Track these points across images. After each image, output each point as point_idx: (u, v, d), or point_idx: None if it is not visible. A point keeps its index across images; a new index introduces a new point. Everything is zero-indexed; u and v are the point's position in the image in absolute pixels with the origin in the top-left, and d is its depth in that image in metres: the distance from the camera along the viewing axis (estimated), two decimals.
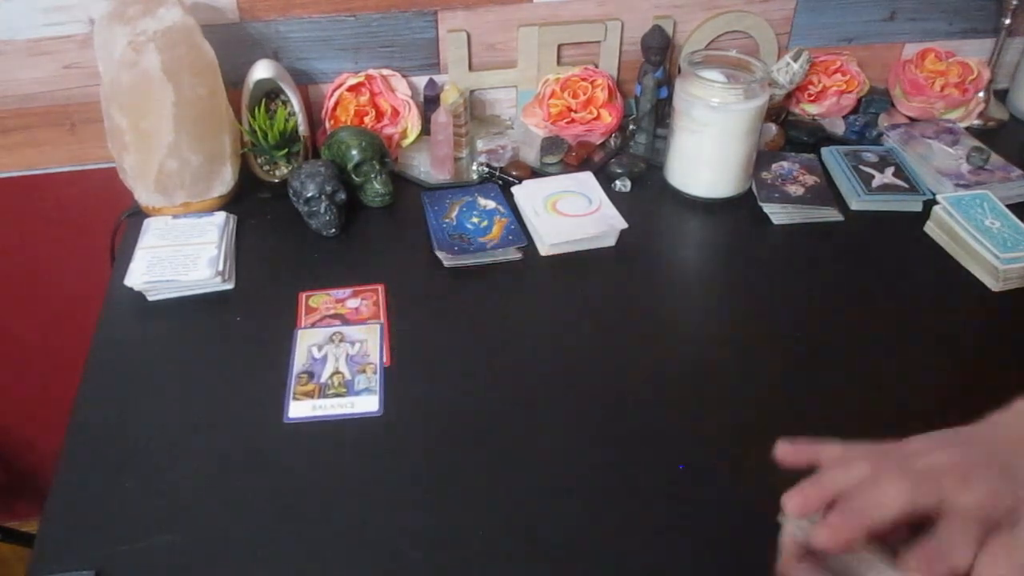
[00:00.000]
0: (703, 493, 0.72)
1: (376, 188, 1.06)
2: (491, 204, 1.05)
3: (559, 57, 1.21)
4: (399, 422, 0.78)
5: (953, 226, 0.98)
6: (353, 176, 1.05)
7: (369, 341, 0.87)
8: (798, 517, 0.47)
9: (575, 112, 1.17)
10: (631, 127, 1.20)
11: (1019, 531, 0.42)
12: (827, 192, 1.08)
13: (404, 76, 1.18)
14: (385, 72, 1.17)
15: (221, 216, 1.02)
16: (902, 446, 0.48)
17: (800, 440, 0.50)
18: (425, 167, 1.14)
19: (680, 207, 1.09)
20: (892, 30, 1.27)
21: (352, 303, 0.92)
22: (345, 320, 0.89)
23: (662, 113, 1.17)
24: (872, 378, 0.83)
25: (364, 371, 0.83)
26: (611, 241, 1.01)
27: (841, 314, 0.91)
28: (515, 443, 0.76)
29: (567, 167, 1.14)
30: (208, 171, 1.03)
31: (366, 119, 1.14)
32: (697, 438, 0.76)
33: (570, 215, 1.01)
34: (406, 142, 1.17)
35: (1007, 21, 1.23)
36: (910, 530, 0.44)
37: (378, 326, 0.88)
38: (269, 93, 1.11)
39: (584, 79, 1.17)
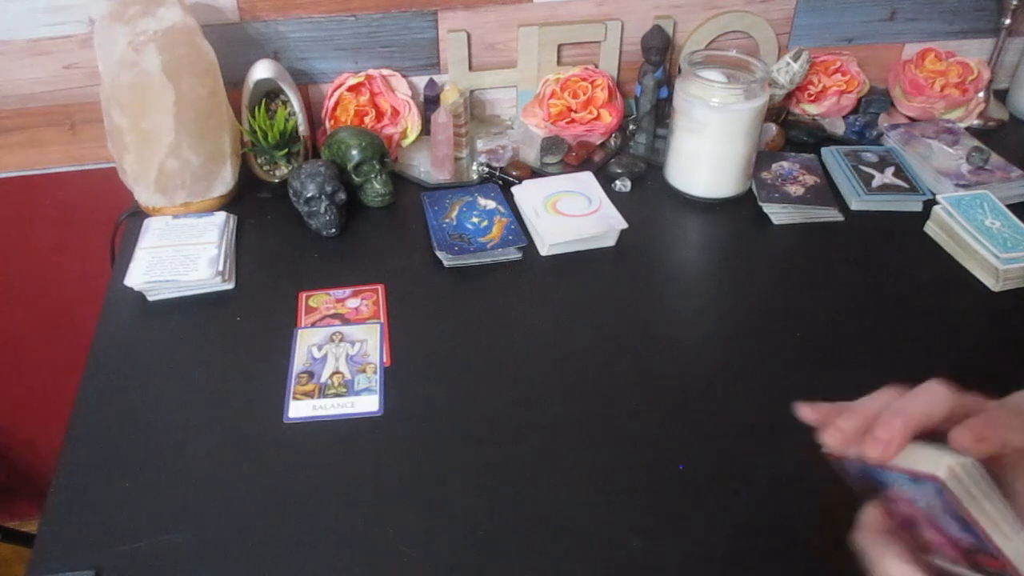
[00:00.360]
0: (703, 493, 0.72)
1: (376, 188, 1.06)
2: (491, 204, 1.05)
3: (559, 57, 1.21)
4: (399, 422, 0.78)
5: (953, 226, 0.98)
6: (353, 176, 1.05)
7: (369, 341, 0.87)
8: (840, 449, 0.43)
9: (575, 112, 1.17)
10: (631, 127, 1.20)
11: None
12: (827, 192, 1.08)
13: (404, 76, 1.18)
14: (385, 72, 1.17)
15: (221, 216, 1.02)
16: None
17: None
18: (425, 167, 1.14)
19: (680, 207, 1.09)
20: (892, 30, 1.27)
21: (352, 303, 0.92)
22: (345, 320, 0.89)
23: (662, 113, 1.17)
24: (872, 378, 0.83)
25: (364, 371, 0.83)
26: (611, 241, 1.01)
27: (841, 314, 0.91)
28: (515, 443, 0.76)
29: (567, 167, 1.14)
30: (208, 171, 1.03)
31: (366, 119, 1.14)
32: (697, 438, 0.76)
33: (570, 215, 1.01)
34: (406, 142, 1.17)
35: (1007, 21, 1.23)
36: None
37: (378, 326, 0.88)
38: (269, 93, 1.11)
39: (584, 79, 1.17)
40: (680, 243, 1.06)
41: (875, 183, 1.08)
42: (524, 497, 0.71)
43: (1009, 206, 1.00)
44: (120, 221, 1.06)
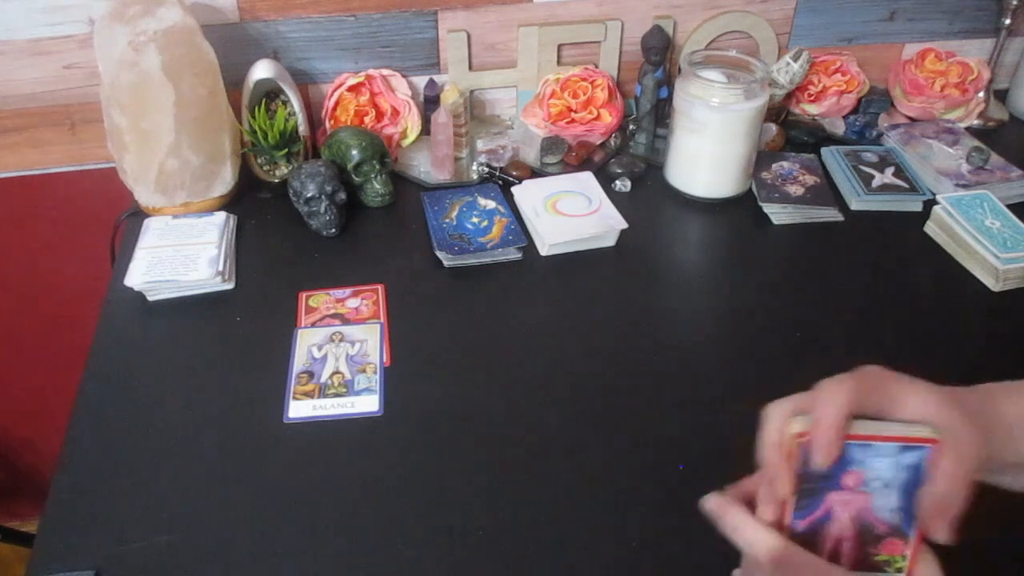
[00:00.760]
0: (704, 493, 0.72)
1: (376, 188, 1.06)
2: (491, 204, 1.05)
3: (559, 57, 1.21)
4: (399, 422, 0.78)
5: (953, 226, 0.98)
6: (353, 176, 1.05)
7: (369, 341, 0.87)
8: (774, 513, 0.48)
9: (575, 112, 1.17)
10: (631, 127, 1.20)
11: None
12: (827, 192, 1.08)
13: (404, 76, 1.18)
14: (385, 72, 1.17)
15: (221, 216, 1.02)
16: None
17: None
18: (425, 167, 1.14)
19: (680, 207, 1.09)
20: (892, 30, 1.27)
21: (352, 303, 0.92)
22: (345, 320, 0.89)
23: (662, 113, 1.17)
24: None
25: (364, 371, 0.83)
26: (611, 241, 1.01)
27: (841, 314, 0.91)
28: (515, 443, 0.76)
29: (567, 167, 1.14)
30: (208, 171, 1.03)
31: (366, 119, 1.14)
32: (697, 438, 0.76)
33: (570, 215, 1.01)
34: (406, 142, 1.17)
35: (1007, 21, 1.23)
36: None
37: (378, 326, 0.88)
38: (269, 93, 1.11)
39: (584, 79, 1.17)
40: (680, 243, 1.06)
41: (875, 183, 1.08)
42: (524, 497, 0.71)
43: (1009, 206, 1.00)
44: (120, 221, 1.06)
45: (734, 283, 0.97)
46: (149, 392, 0.82)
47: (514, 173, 1.10)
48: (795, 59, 1.17)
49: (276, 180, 1.08)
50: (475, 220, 1.02)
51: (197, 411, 0.80)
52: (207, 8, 1.08)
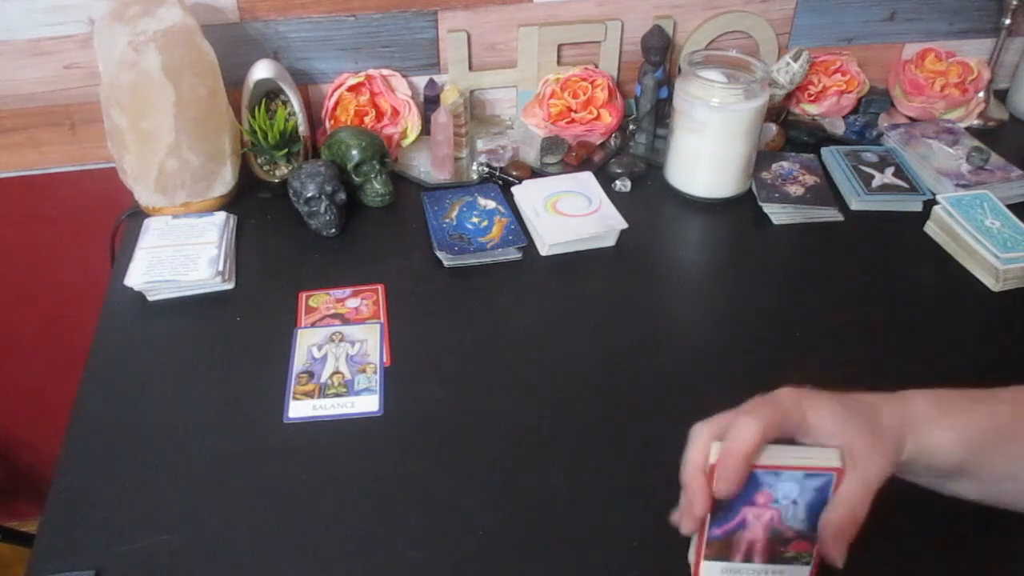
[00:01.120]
0: None
1: (376, 188, 1.06)
2: (491, 204, 1.05)
3: (559, 57, 1.21)
4: (399, 422, 0.78)
5: (953, 226, 0.98)
6: (353, 176, 1.05)
7: (369, 341, 0.87)
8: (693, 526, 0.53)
9: (575, 112, 1.17)
10: (631, 127, 1.20)
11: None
12: (827, 192, 1.08)
13: (404, 76, 1.18)
14: (385, 72, 1.17)
15: (221, 216, 1.02)
16: None
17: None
18: (425, 167, 1.14)
19: (680, 207, 1.09)
20: (892, 30, 1.27)
21: (352, 303, 0.92)
22: (345, 320, 0.89)
23: (662, 113, 1.17)
24: (872, 378, 0.83)
25: (364, 371, 0.83)
26: (611, 241, 1.01)
27: (841, 314, 0.91)
28: (515, 442, 0.76)
29: (567, 167, 1.14)
30: (208, 171, 1.03)
31: (366, 119, 1.14)
32: None
33: (570, 215, 1.01)
34: (406, 142, 1.17)
35: (1007, 21, 1.23)
36: None
37: (378, 326, 0.88)
38: (269, 93, 1.11)
39: (584, 79, 1.17)
40: (680, 243, 1.06)
41: (875, 183, 1.08)
42: (524, 497, 0.71)
43: (1009, 206, 1.00)
44: (120, 221, 1.06)
45: (734, 283, 0.97)
46: (149, 392, 0.82)
47: (514, 173, 1.10)
48: (795, 59, 1.17)
49: (276, 180, 1.08)
50: (475, 220, 1.02)
51: (197, 411, 0.80)
52: (207, 8, 1.08)
